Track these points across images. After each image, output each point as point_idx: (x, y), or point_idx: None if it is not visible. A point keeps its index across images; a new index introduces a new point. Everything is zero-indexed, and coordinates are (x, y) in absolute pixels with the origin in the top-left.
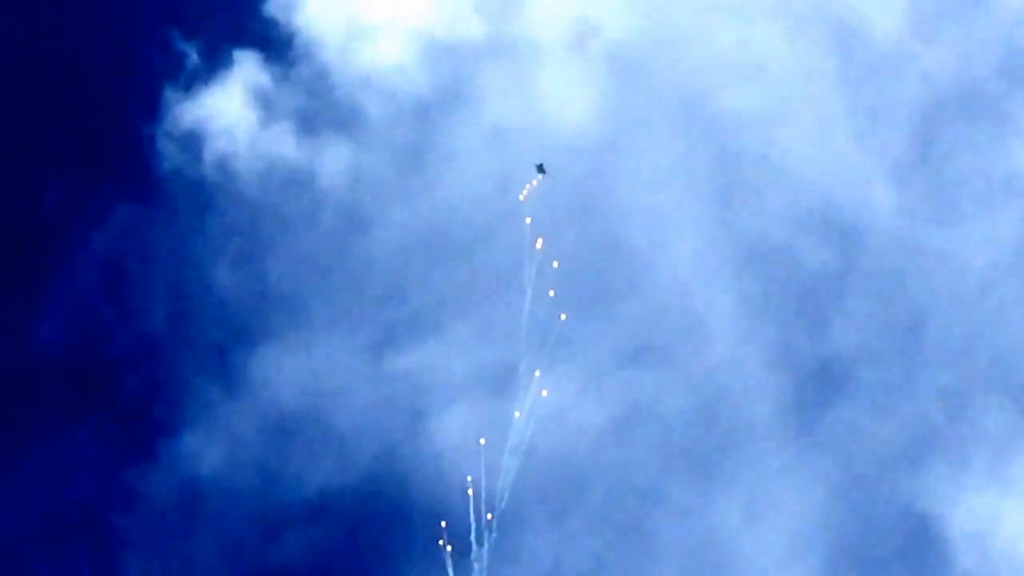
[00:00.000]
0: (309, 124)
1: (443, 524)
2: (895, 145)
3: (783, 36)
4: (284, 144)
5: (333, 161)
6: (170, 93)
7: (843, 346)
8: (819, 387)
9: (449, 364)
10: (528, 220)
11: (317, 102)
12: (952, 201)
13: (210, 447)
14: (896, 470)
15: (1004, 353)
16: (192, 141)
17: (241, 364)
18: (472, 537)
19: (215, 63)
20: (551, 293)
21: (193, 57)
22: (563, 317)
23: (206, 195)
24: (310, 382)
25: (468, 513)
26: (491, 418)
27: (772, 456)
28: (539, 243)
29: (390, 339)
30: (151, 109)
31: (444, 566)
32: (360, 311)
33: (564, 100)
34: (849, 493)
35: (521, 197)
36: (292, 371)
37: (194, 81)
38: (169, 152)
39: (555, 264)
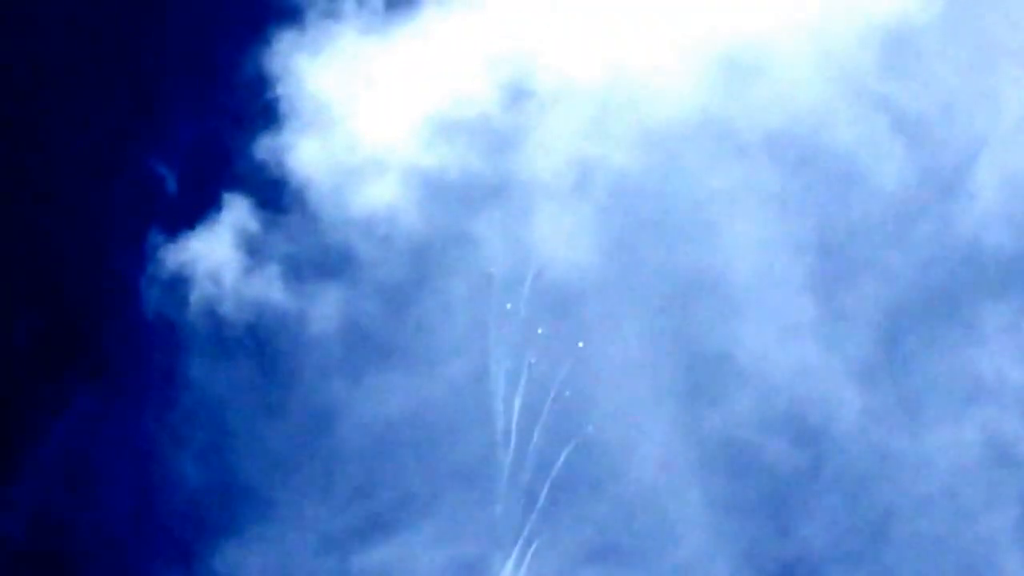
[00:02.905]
0: (298, 269)
1: None
2: (861, 348)
3: (750, 237)
4: (272, 289)
5: (323, 306)
6: (155, 236)
7: (810, 547)
8: None
9: (417, 560)
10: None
11: (307, 245)
12: (919, 404)
13: None
14: None
15: (970, 555)
16: (177, 285)
17: (205, 559)
18: None
19: (203, 206)
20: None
21: (180, 199)
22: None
23: (188, 344)
24: None
25: None
26: None
27: None
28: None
29: (357, 534)
30: (136, 253)
31: None
32: (326, 505)
33: (555, 253)
34: None
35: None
36: (257, 566)
37: (180, 224)
38: (153, 296)
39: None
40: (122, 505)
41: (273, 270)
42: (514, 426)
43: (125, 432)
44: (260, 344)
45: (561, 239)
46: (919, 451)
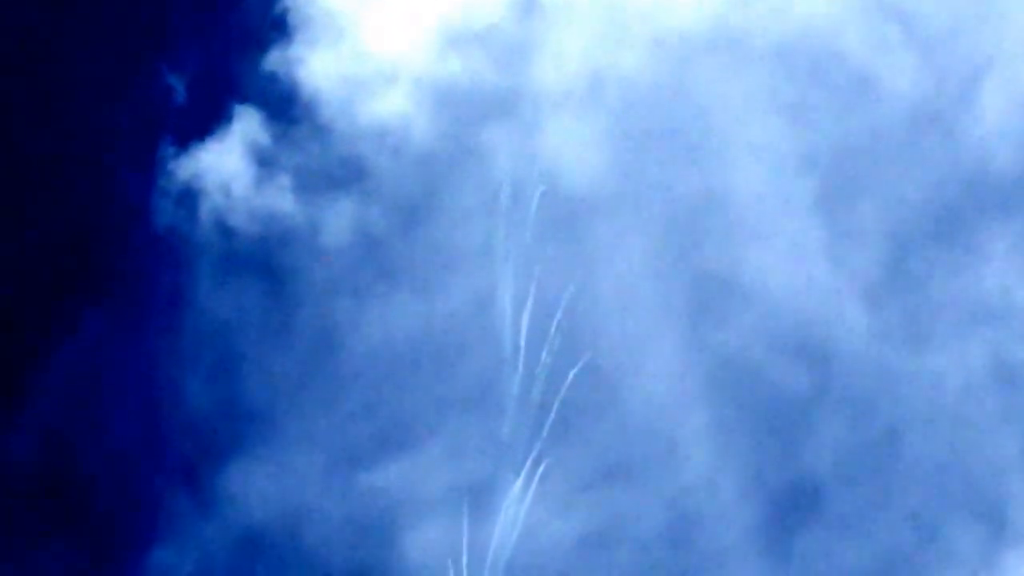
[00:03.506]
0: (309, 180)
1: None
2: (868, 268)
3: (759, 153)
4: (282, 201)
5: (333, 219)
6: (166, 149)
7: (815, 468)
8: (791, 508)
9: (425, 480)
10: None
11: (317, 157)
12: (925, 325)
13: (181, 563)
14: None
15: (976, 477)
16: (188, 198)
17: (212, 479)
18: None
19: (213, 118)
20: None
21: (190, 112)
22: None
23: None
24: (283, 497)
25: None
26: (467, 535)
27: None
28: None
29: (365, 454)
30: (146, 165)
31: None
32: (334, 425)
33: (564, 167)
34: None
35: None
36: (264, 486)
37: (190, 136)
38: (164, 208)
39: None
40: (129, 425)
41: (283, 181)
42: (522, 346)
43: (133, 351)
44: (269, 259)
45: (571, 151)
46: (925, 371)
